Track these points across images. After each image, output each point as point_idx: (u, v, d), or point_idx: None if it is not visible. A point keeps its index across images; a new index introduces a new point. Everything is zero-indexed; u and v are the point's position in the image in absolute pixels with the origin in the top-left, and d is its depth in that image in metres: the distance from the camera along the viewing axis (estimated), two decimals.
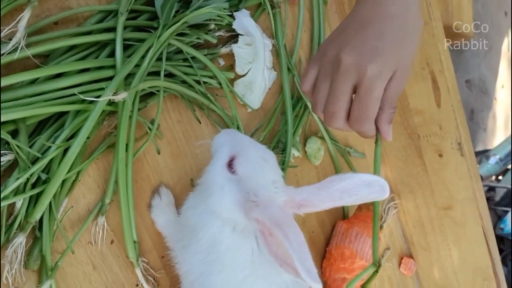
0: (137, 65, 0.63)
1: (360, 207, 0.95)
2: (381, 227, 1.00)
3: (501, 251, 2.02)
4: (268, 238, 0.53)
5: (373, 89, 0.54)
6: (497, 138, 3.11)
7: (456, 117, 0.94)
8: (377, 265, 0.67)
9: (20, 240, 0.56)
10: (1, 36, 0.54)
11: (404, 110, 0.98)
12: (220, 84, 0.74)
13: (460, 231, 1.01)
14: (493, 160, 2.40)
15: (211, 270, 0.59)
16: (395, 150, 1.02)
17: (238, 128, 0.76)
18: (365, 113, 0.55)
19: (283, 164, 0.82)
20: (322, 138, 0.92)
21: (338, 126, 0.58)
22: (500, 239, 2.08)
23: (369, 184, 0.57)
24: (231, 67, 0.79)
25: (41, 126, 0.61)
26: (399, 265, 1.07)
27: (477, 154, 2.49)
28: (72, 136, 0.60)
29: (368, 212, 0.93)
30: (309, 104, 0.87)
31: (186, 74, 0.71)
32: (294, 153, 0.87)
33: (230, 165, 0.59)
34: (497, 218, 2.14)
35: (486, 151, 2.57)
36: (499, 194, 2.31)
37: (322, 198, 0.58)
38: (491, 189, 2.31)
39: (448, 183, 0.98)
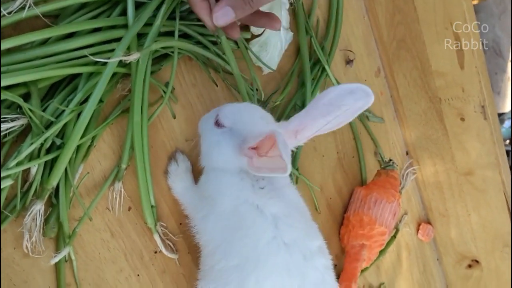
0: (150, 24, 0.60)
1: (379, 173, 0.92)
2: (399, 192, 0.98)
3: None
4: (255, 162, 0.59)
5: None
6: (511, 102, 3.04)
7: (480, 79, 0.90)
8: None
9: (38, 208, 0.55)
10: None
11: (426, 73, 0.95)
12: (236, 43, 0.71)
13: (480, 197, 0.99)
14: (507, 123, 2.35)
15: (233, 236, 0.58)
16: (414, 114, 0.99)
17: (257, 90, 0.73)
18: None
19: None
20: None
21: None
22: None
23: (352, 91, 0.59)
24: (246, 27, 0.75)
25: (53, 90, 0.58)
26: (417, 231, 1.06)
27: None
28: (86, 100, 0.58)
29: (387, 178, 0.90)
30: None
31: (200, 34, 0.68)
32: None
33: (217, 123, 0.62)
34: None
35: (500, 114, 2.51)
36: None
37: (313, 116, 0.60)
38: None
39: (469, 148, 0.96)
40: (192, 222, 0.65)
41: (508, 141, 2.51)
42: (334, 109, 0.59)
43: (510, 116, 2.45)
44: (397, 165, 0.94)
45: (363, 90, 0.58)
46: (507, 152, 2.34)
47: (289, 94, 0.82)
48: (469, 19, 0.87)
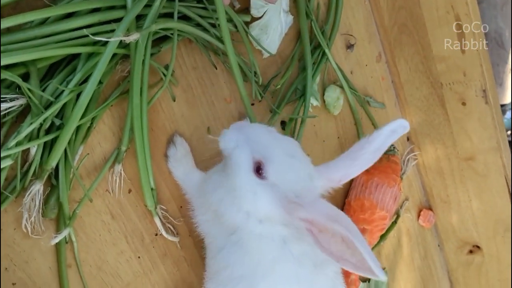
0: (149, 6, 0.60)
1: (380, 158, 0.91)
2: (400, 178, 0.98)
3: None
4: (318, 236, 0.50)
5: None
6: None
7: (481, 63, 0.89)
8: None
9: (37, 188, 0.55)
10: None
11: (427, 58, 0.94)
12: (235, 27, 0.70)
13: (482, 182, 0.98)
14: (509, 114, 2.34)
15: (234, 249, 0.56)
16: (416, 100, 0.99)
17: (255, 74, 0.73)
18: None
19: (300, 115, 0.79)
20: (341, 87, 0.89)
21: None
22: None
23: (394, 131, 0.59)
24: (246, 10, 0.75)
25: (52, 70, 0.58)
26: (418, 217, 1.05)
27: None
28: (85, 81, 0.57)
29: (388, 163, 0.90)
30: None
31: (200, 16, 0.68)
32: (313, 102, 0.84)
33: (257, 170, 0.54)
34: None
35: (502, 106, 2.50)
36: None
37: (359, 167, 0.59)
38: None
39: (471, 132, 0.95)
40: (193, 209, 0.64)
41: (509, 132, 2.50)
42: (378, 154, 0.59)
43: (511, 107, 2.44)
44: (398, 150, 0.94)
45: (403, 126, 0.59)
46: (509, 142, 2.33)
47: (290, 78, 0.82)
48: (471, 2, 0.86)
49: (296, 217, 0.52)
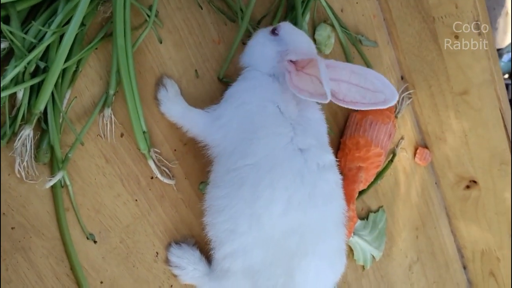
0: None
1: None
2: (395, 117, 0.98)
3: None
4: (294, 77, 0.63)
5: None
6: (510, 37, 2.99)
7: None
8: None
9: (27, 133, 0.55)
10: None
11: None
12: None
13: (476, 116, 0.98)
14: (506, 57, 2.32)
15: (253, 135, 0.61)
16: (408, 37, 0.97)
17: (241, 11, 0.71)
18: None
19: None
20: (331, 25, 0.87)
21: None
22: None
23: (385, 85, 0.63)
24: None
25: (33, 14, 0.57)
26: (414, 155, 1.06)
27: None
28: (68, 22, 0.56)
29: None
30: None
31: None
32: None
33: (273, 31, 0.68)
34: None
35: (499, 49, 2.47)
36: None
37: (343, 68, 0.65)
38: None
39: (464, 66, 0.94)
40: (203, 139, 0.65)
41: (507, 75, 2.48)
42: (360, 79, 0.63)
43: (509, 49, 2.41)
44: None
45: (393, 93, 0.62)
46: (507, 86, 2.32)
47: (280, 18, 0.80)
48: None
49: (286, 60, 0.64)
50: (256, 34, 0.70)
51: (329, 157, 0.66)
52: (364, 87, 0.63)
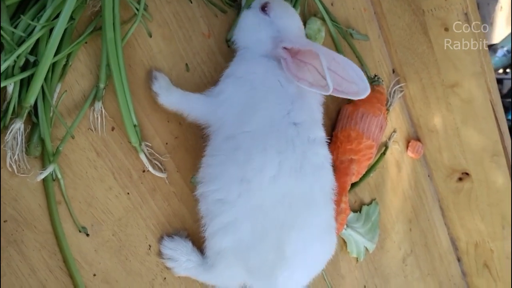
0: None
1: None
2: (387, 110, 0.98)
3: None
4: (290, 64, 0.65)
5: None
6: (504, 33, 3.00)
7: None
8: None
9: (18, 126, 0.55)
10: None
11: None
12: None
13: (467, 108, 0.99)
14: (500, 52, 2.33)
15: (254, 107, 0.64)
16: (399, 30, 0.98)
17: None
18: None
19: None
20: (322, 19, 0.88)
21: None
22: None
23: (359, 77, 0.65)
24: None
25: (22, 8, 0.57)
26: (407, 148, 1.06)
27: None
28: (57, 17, 0.57)
29: (373, 93, 0.90)
30: None
31: None
32: None
33: (263, 9, 0.70)
34: (504, 110, 2.11)
35: (493, 45, 2.48)
36: (507, 86, 2.27)
37: (317, 49, 0.65)
38: (498, 81, 2.25)
39: (454, 59, 0.95)
40: (205, 119, 0.67)
41: (502, 70, 2.49)
42: (339, 68, 0.65)
43: (503, 44, 2.42)
44: (382, 80, 0.94)
45: (365, 87, 0.64)
46: (501, 80, 2.33)
47: None
48: None
49: (280, 47, 0.66)
50: (246, 12, 0.70)
51: (320, 133, 0.70)
52: (341, 75, 0.65)
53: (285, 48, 0.67)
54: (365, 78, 0.65)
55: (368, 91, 0.64)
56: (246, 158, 0.62)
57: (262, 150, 0.62)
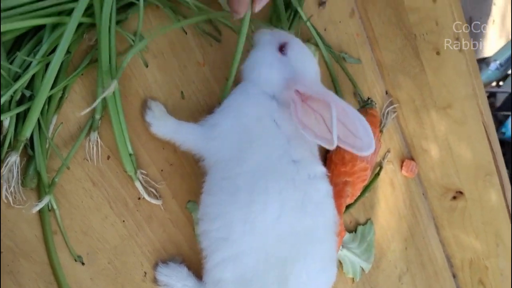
0: None
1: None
2: (380, 131, 1.00)
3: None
4: (299, 110, 0.63)
5: None
6: (497, 46, 3.04)
7: (453, 11, 0.90)
8: None
9: (14, 159, 0.56)
10: None
11: (399, 9, 0.94)
12: None
13: (460, 129, 1.00)
14: (493, 66, 2.36)
15: (249, 147, 0.63)
16: (391, 53, 1.00)
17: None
18: None
19: None
20: (315, 44, 0.89)
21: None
22: (501, 143, 2.08)
23: (366, 132, 0.62)
24: None
25: (18, 43, 0.58)
26: (401, 167, 1.08)
27: (477, 61, 2.43)
28: (53, 51, 0.58)
29: (366, 116, 0.91)
30: None
31: None
32: None
33: (280, 49, 0.68)
34: (498, 123, 2.13)
35: (485, 58, 2.51)
36: (500, 100, 2.29)
37: (325, 95, 0.63)
38: (491, 95, 2.28)
39: (446, 81, 0.97)
40: (198, 151, 0.67)
41: (494, 84, 2.52)
42: (348, 119, 0.61)
43: (496, 58, 2.45)
44: (375, 103, 0.95)
45: (370, 144, 0.61)
46: (494, 93, 2.36)
47: None
48: None
49: (293, 89, 0.64)
50: (263, 48, 0.68)
51: (320, 168, 0.69)
52: (349, 128, 0.62)
53: (297, 91, 0.65)
54: (371, 134, 0.61)
55: (373, 149, 0.61)
56: (247, 200, 0.61)
57: (263, 191, 0.61)
